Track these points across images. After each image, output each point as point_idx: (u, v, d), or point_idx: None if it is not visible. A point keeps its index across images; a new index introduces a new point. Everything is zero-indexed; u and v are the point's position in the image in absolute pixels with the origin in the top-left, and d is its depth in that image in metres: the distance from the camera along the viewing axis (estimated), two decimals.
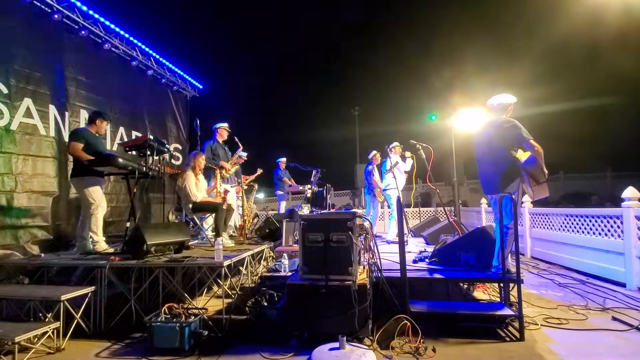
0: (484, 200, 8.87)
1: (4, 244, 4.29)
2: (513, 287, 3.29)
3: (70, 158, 4.44)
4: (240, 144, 5.96)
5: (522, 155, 3.36)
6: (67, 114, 5.44)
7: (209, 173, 5.58)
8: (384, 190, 6.61)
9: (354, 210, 6.19)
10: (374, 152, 7.19)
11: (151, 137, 4.35)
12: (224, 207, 4.79)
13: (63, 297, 2.97)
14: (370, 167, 7.14)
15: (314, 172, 6.91)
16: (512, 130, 3.32)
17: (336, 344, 2.44)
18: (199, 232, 5.16)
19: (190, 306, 3.18)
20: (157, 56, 7.51)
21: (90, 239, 4.10)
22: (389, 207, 6.89)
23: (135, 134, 6.88)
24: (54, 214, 5.01)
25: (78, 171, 4.02)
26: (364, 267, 3.30)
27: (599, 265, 4.82)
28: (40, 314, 3.01)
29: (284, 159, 8.74)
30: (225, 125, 6.01)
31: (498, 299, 3.73)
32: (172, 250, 3.76)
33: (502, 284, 3.44)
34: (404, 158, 6.51)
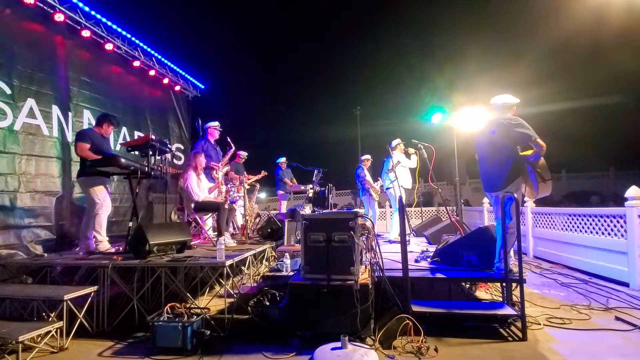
0: (486, 200, 8.85)
1: (8, 243, 4.31)
2: (515, 287, 3.28)
3: (75, 158, 4.46)
4: (232, 144, 5.82)
5: (527, 152, 3.35)
6: (70, 114, 5.46)
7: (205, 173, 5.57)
8: (387, 189, 6.62)
9: (355, 210, 6.18)
10: (367, 155, 7.32)
11: (153, 137, 4.36)
12: (226, 206, 4.80)
13: (66, 297, 2.98)
14: (359, 170, 7.22)
15: (315, 171, 6.90)
16: (519, 128, 3.31)
17: (338, 344, 2.44)
18: (201, 232, 5.17)
19: (192, 306, 3.19)
20: (159, 56, 7.52)
21: (94, 239, 4.11)
22: (390, 206, 6.90)
23: (137, 134, 6.90)
24: (57, 213, 5.02)
25: (84, 171, 4.06)
26: (365, 267, 3.31)
27: (602, 265, 4.80)
28: (44, 314, 3.03)
29: (283, 159, 8.76)
30: (217, 124, 5.98)
31: (500, 299, 3.73)
32: (175, 250, 3.77)
33: (504, 284, 3.43)
34: (408, 155, 6.51)
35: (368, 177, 7.18)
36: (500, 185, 3.39)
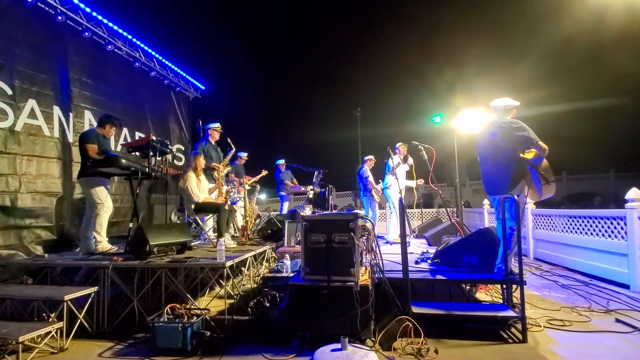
0: (486, 202, 8.84)
1: (8, 244, 4.32)
2: (516, 289, 3.27)
3: (76, 159, 4.47)
4: (232, 145, 5.76)
5: (529, 154, 3.35)
6: (71, 115, 5.48)
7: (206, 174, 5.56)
8: (384, 189, 6.64)
9: (356, 211, 6.19)
10: (370, 156, 7.31)
11: (154, 138, 4.37)
12: (226, 207, 4.80)
13: (66, 297, 2.99)
14: (362, 169, 7.23)
15: (316, 173, 6.91)
16: (519, 131, 3.32)
17: (338, 345, 2.44)
18: (201, 233, 5.17)
19: (192, 307, 3.19)
20: (160, 57, 7.55)
21: (94, 239, 4.11)
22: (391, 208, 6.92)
23: (138, 134, 6.91)
24: (57, 214, 5.03)
25: (84, 172, 4.06)
26: (366, 268, 3.30)
27: (602, 267, 4.80)
28: (44, 314, 3.03)
29: (282, 161, 8.78)
30: (217, 125, 5.96)
31: (501, 301, 3.72)
32: (175, 251, 3.77)
33: (504, 286, 3.42)
34: (406, 159, 6.53)
35: (371, 178, 7.19)
36: (506, 188, 3.36)
